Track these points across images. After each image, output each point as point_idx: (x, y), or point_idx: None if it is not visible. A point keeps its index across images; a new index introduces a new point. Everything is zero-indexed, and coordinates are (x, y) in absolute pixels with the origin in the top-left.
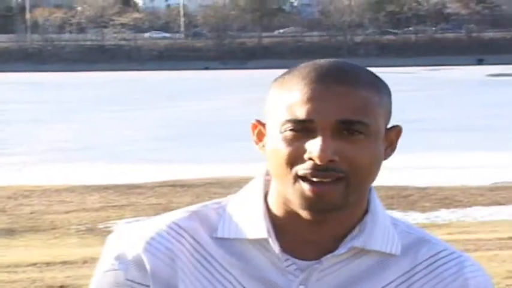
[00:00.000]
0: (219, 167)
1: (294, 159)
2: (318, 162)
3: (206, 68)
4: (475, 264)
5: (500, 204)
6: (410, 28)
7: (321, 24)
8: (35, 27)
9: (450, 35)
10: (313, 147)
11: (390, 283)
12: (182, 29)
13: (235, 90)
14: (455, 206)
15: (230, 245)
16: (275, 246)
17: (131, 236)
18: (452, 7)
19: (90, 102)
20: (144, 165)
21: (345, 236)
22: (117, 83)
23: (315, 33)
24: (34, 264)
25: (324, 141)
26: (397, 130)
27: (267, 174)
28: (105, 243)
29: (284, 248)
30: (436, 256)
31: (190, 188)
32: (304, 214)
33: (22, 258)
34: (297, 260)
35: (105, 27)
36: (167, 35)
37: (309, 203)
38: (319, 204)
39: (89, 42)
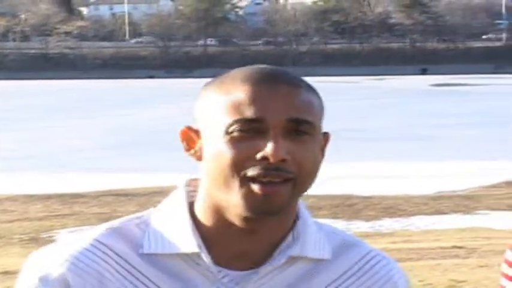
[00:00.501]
0: (163, 176)
1: (242, 161)
2: (271, 160)
3: (151, 77)
4: (398, 266)
5: (443, 213)
6: (355, 37)
7: (266, 33)
8: None
9: (394, 45)
10: (266, 145)
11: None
12: (127, 37)
13: (180, 99)
14: (399, 215)
15: (158, 260)
16: (207, 260)
17: (54, 256)
18: (397, 17)
19: (33, 111)
20: (87, 174)
21: (277, 243)
22: (61, 91)
23: (260, 42)
24: None
25: (277, 140)
26: (326, 137)
27: (188, 185)
28: (26, 262)
29: (216, 260)
30: (364, 259)
31: (134, 197)
32: (245, 218)
33: None
34: (230, 271)
35: (49, 35)
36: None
37: (257, 204)
38: (267, 205)
39: (33, 51)
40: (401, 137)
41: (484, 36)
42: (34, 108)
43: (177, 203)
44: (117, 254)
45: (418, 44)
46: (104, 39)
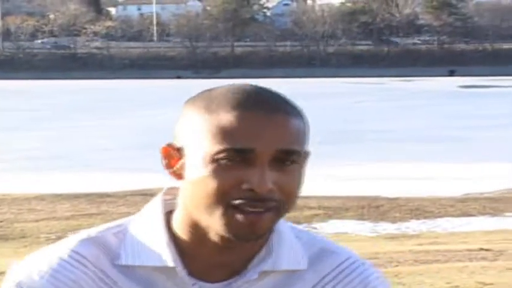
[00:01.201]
0: None
1: (227, 190)
2: (257, 192)
3: (178, 77)
4: (377, 272)
5: (470, 215)
6: (383, 39)
7: (293, 34)
8: (7, 34)
9: (422, 46)
10: (254, 177)
11: None
12: (155, 37)
13: None
14: (426, 217)
15: (134, 271)
16: (182, 274)
17: (34, 268)
18: (425, 18)
19: (61, 111)
20: (115, 174)
21: (252, 255)
22: (88, 91)
23: (288, 43)
24: (2, 273)
25: (263, 171)
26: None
27: (166, 193)
28: (7, 274)
29: (191, 272)
30: (341, 266)
31: None
32: (226, 241)
33: None
34: (204, 284)
35: (77, 35)
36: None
37: (240, 231)
38: (250, 232)
39: (61, 51)
40: (429, 138)
41: None
42: (61, 108)
43: (154, 213)
44: (94, 265)
45: (446, 46)
46: (131, 39)
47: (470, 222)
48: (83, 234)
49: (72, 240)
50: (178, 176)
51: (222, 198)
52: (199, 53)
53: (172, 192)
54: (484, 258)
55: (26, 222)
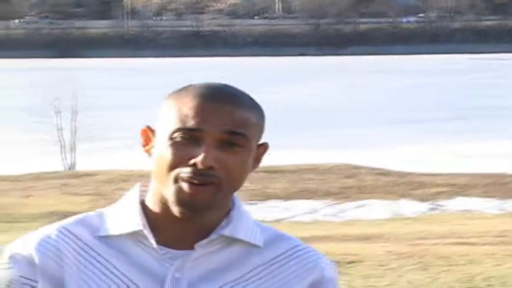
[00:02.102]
0: (313, 153)
1: (177, 163)
2: (200, 166)
3: (302, 54)
4: (326, 258)
5: None
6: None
7: (418, 10)
8: (133, 13)
9: None
10: (198, 154)
11: (254, 269)
12: (278, 14)
13: (331, 76)
14: None
15: (111, 241)
16: (150, 237)
17: (25, 239)
18: None
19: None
20: None
21: (214, 229)
22: (211, 69)
23: (412, 19)
24: None
25: (207, 149)
26: (264, 147)
27: (143, 185)
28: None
29: (160, 240)
30: (294, 249)
31: (284, 174)
32: (178, 210)
33: None
34: (171, 250)
35: (201, 13)
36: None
37: (185, 200)
38: (192, 202)
39: (185, 28)
40: None
41: None
42: (181, 86)
43: (130, 197)
44: (78, 238)
45: None
46: (255, 16)
47: None
48: (72, 217)
49: (62, 221)
50: (150, 154)
51: (173, 170)
52: (323, 29)
53: (145, 184)
54: None
55: None
